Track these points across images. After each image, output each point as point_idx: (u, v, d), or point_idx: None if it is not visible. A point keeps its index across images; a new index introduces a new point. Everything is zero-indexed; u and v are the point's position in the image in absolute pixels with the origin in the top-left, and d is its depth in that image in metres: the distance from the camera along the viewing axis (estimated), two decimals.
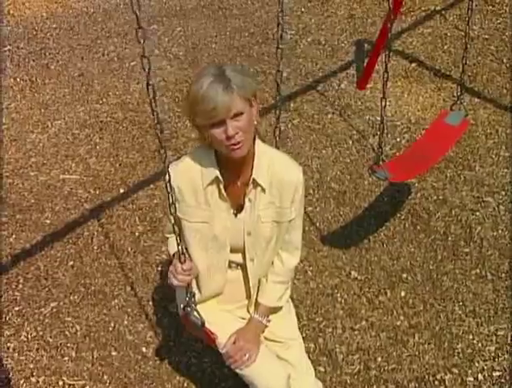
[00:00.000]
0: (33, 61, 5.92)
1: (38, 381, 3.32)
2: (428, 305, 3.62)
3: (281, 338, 2.69)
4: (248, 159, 2.37)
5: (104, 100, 5.29)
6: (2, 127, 5.03)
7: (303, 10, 6.44)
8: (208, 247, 2.49)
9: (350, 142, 4.77)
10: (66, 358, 3.42)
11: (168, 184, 2.21)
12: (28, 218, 4.21)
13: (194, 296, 2.55)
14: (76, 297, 3.73)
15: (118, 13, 6.52)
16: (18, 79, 5.64)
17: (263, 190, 2.40)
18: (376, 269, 3.85)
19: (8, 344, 3.49)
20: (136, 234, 4.09)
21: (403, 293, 3.70)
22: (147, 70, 2.01)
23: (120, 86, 5.44)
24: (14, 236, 4.08)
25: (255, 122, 2.31)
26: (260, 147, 2.40)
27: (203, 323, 2.54)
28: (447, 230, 4.06)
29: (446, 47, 5.74)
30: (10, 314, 3.64)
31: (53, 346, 3.48)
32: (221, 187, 2.38)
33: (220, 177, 2.36)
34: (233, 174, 2.40)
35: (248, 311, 2.68)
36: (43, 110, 5.21)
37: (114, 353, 3.45)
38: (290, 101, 5.19)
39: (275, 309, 2.67)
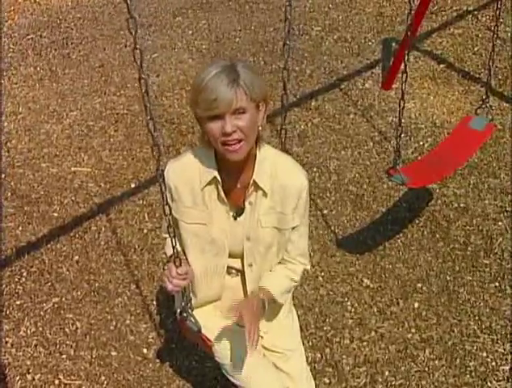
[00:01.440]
0: (55, 50, 5.86)
1: (34, 379, 3.24)
2: (442, 319, 3.46)
3: (280, 349, 2.55)
4: (249, 161, 2.23)
5: (122, 92, 5.20)
6: (18, 116, 4.98)
7: (330, 6, 6.28)
8: (206, 251, 2.36)
9: (371, 144, 4.62)
10: (64, 356, 3.34)
11: (162, 184, 2.10)
12: (36, 210, 4.14)
13: (190, 301, 2.45)
14: (79, 293, 3.65)
15: (143, 4, 6.45)
16: (38, 68, 5.59)
17: (265, 194, 2.27)
18: (390, 278, 3.70)
19: (6, 339, 3.42)
20: (145, 230, 3.99)
21: (416, 304, 3.55)
22: (139, 63, 1.87)
23: None
24: (20, 228, 4.02)
25: (260, 127, 2.18)
26: (263, 149, 2.27)
27: (199, 329, 2.44)
28: (467, 240, 3.89)
29: (476, 48, 5.53)
30: (11, 307, 3.57)
31: (52, 343, 3.40)
32: (220, 188, 2.26)
33: (219, 178, 2.23)
34: (233, 175, 2.27)
35: None
36: (60, 100, 5.14)
37: (113, 353, 3.36)
38: (311, 99, 5.05)
39: (274, 314, 2.53)
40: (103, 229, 4.01)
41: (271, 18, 6.16)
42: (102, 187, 4.31)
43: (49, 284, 3.69)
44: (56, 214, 4.11)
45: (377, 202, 4.18)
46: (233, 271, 2.47)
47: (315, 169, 4.41)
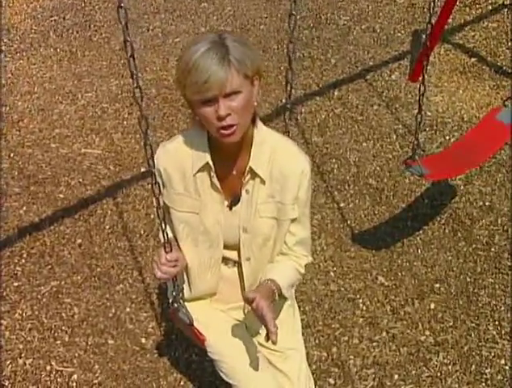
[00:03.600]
0: (77, 32, 5.74)
1: (25, 364, 3.11)
2: (459, 322, 3.25)
3: (279, 347, 2.34)
4: (245, 145, 2.06)
5: (140, 75, 4.99)
6: (33, 96, 4.87)
7: None
8: (199, 242, 2.20)
9: (394, 137, 4.41)
10: (58, 342, 3.21)
11: (151, 162, 1.96)
12: (42, 191, 4.02)
13: (182, 290, 2.29)
14: (79, 277, 3.51)
15: None
16: (58, 50, 5.48)
17: (263, 181, 2.09)
18: (407, 276, 3.50)
19: (1, 321, 3.29)
20: (152, 216, 3.84)
21: (433, 305, 3.34)
22: (124, 24, 1.71)
23: (159, 62, 5.21)
24: (24, 208, 3.89)
25: (255, 103, 2.00)
26: (261, 132, 2.09)
27: (191, 322, 2.28)
28: (491, 240, 3.67)
29: (510, 43, 5.27)
30: (8, 289, 3.45)
31: (47, 327, 3.26)
32: (212, 174, 2.08)
33: (211, 163, 2.06)
34: (228, 160, 2.09)
35: (244, 313, 2.38)
36: (76, 81, 5.02)
37: (110, 342, 3.22)
38: (334, 89, 4.85)
39: (274, 309, 2.35)
40: (109, 212, 3.87)
41: (298, 7, 5.96)
42: (112, 169, 4.17)
43: (49, 266, 3.56)
44: (61, 195, 3.98)
45: (397, 197, 3.98)
46: (230, 262, 2.29)
47: (334, 160, 4.22)
